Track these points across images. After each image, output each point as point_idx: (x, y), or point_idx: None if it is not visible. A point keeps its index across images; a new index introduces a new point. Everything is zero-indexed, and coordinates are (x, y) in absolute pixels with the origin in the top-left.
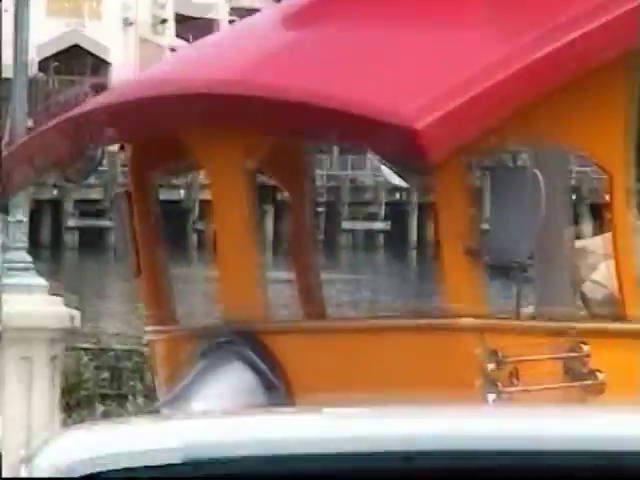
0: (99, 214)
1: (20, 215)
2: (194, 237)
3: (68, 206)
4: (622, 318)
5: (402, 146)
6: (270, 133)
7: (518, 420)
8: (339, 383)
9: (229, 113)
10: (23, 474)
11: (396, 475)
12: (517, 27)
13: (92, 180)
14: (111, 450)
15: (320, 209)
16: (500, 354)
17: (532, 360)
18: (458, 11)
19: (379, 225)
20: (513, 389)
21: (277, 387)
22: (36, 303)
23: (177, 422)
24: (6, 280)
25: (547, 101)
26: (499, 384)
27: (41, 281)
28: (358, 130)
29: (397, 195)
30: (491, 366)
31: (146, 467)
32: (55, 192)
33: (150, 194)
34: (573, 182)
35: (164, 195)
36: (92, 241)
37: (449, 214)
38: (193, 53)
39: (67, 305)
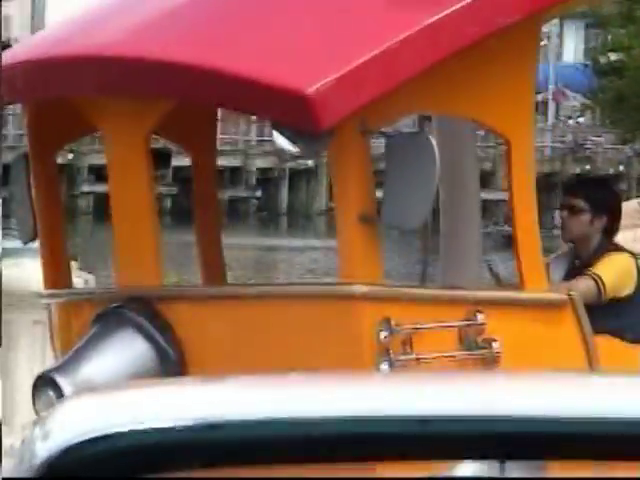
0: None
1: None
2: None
3: (83, 171)
4: (520, 288)
5: (294, 112)
6: (164, 98)
7: None
8: (233, 352)
9: (122, 77)
10: (37, 436)
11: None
12: None
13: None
14: (124, 413)
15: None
16: (393, 322)
17: (426, 328)
18: None
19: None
20: (406, 357)
21: (170, 355)
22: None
23: (191, 387)
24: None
25: (444, 68)
26: (392, 352)
27: None
28: (251, 96)
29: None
30: (384, 334)
31: (156, 429)
32: (70, 157)
33: (48, 157)
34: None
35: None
36: (106, 206)
37: (344, 181)
38: (88, 15)
39: (81, 269)
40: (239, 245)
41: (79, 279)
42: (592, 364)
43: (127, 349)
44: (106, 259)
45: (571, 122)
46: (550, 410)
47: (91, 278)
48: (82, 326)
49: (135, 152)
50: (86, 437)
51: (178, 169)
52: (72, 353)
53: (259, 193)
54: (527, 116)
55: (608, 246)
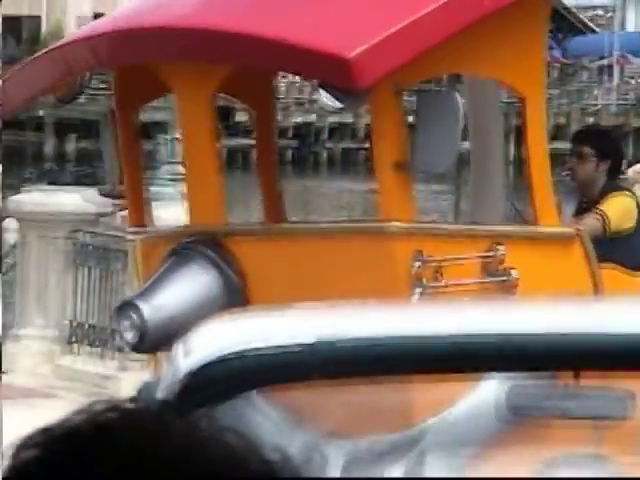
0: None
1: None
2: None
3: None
4: (534, 223)
5: (337, 74)
6: (226, 62)
7: None
8: (290, 284)
9: (189, 45)
10: (180, 354)
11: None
12: None
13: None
14: (253, 334)
15: None
16: (425, 254)
17: (453, 259)
18: None
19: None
20: (436, 284)
21: (235, 283)
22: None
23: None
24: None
25: (465, 34)
26: (424, 280)
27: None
28: (301, 61)
29: None
30: (417, 264)
31: (279, 346)
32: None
33: (131, 115)
34: None
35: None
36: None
37: (381, 132)
38: None
39: None
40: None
41: None
42: (597, 290)
43: (197, 278)
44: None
45: (633, 82)
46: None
47: None
48: (159, 259)
49: (201, 109)
50: (222, 354)
51: (298, 126)
52: (151, 282)
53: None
54: (539, 76)
55: (611, 187)
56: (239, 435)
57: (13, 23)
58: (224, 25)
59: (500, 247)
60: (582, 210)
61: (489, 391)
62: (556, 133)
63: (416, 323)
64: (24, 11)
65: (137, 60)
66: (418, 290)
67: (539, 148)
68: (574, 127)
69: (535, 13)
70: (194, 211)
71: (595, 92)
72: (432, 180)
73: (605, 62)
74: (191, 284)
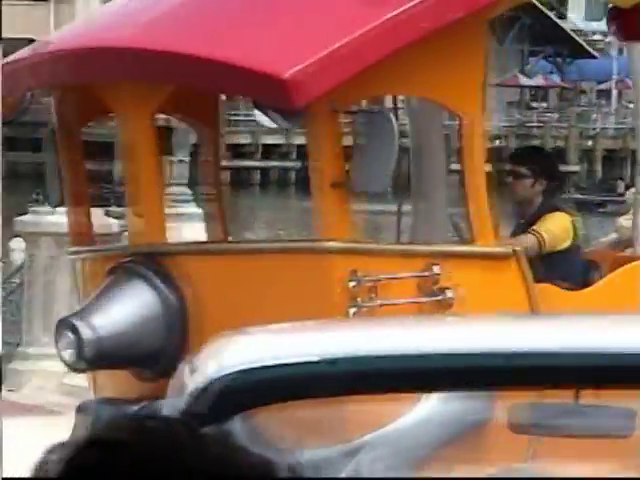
0: (245, 155)
1: (182, 155)
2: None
3: (222, 148)
4: (471, 242)
5: (273, 93)
6: (164, 82)
7: None
8: (228, 303)
9: (128, 65)
10: (186, 372)
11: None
12: None
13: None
14: (261, 351)
15: None
16: (360, 273)
17: (389, 278)
18: None
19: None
20: (371, 303)
21: (173, 304)
22: (194, 229)
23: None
24: (168, 210)
25: (401, 55)
26: (359, 299)
27: (200, 211)
28: (237, 80)
29: None
30: (352, 283)
31: (293, 364)
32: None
33: (73, 134)
34: None
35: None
36: (241, 179)
37: (317, 151)
38: (109, 11)
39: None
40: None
41: None
42: (534, 308)
43: (134, 297)
44: (245, 220)
45: (631, 106)
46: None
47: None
48: (99, 278)
49: (142, 129)
50: (227, 371)
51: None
52: (89, 301)
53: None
54: (477, 96)
55: (548, 206)
56: (252, 454)
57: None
58: (161, 45)
59: (436, 266)
60: (519, 229)
61: (430, 408)
62: (557, 156)
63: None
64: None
65: (77, 81)
66: (352, 310)
67: (476, 167)
68: (573, 150)
69: (473, 33)
70: (134, 229)
71: (594, 116)
72: (375, 199)
73: (604, 86)
74: (128, 303)
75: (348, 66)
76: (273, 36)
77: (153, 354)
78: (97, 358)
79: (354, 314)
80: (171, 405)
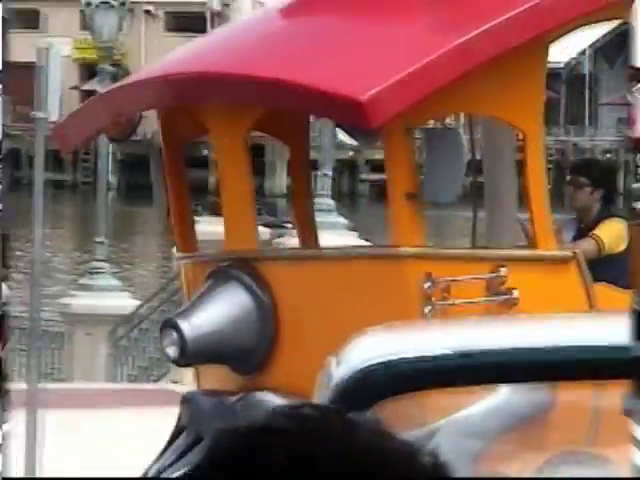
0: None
1: (326, 170)
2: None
3: (361, 163)
4: (534, 247)
5: (352, 115)
6: (254, 104)
7: None
8: (314, 305)
9: (224, 89)
10: (333, 364)
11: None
12: (447, 20)
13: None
14: (399, 345)
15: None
16: (434, 275)
17: (460, 280)
18: (403, 7)
19: None
20: (444, 303)
21: (267, 305)
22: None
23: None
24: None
25: (470, 78)
26: (433, 299)
27: (342, 220)
28: (319, 102)
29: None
30: (427, 285)
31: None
32: (351, 153)
33: (176, 151)
34: None
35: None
36: (380, 191)
37: (394, 166)
38: (207, 40)
39: (361, 238)
40: None
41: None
42: (592, 307)
43: (230, 299)
44: (379, 230)
45: None
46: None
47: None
48: (200, 281)
49: (234, 147)
50: (370, 363)
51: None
52: (190, 303)
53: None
54: (538, 114)
55: (605, 213)
56: (396, 439)
57: None
58: (251, 71)
59: (503, 268)
60: (580, 234)
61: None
62: None
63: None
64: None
65: (179, 103)
66: (428, 308)
67: (538, 179)
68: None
69: (534, 56)
70: (230, 238)
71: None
72: (454, 206)
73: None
74: (225, 304)
75: (420, 88)
76: (352, 62)
77: (246, 351)
78: (197, 354)
79: (429, 313)
80: (320, 395)
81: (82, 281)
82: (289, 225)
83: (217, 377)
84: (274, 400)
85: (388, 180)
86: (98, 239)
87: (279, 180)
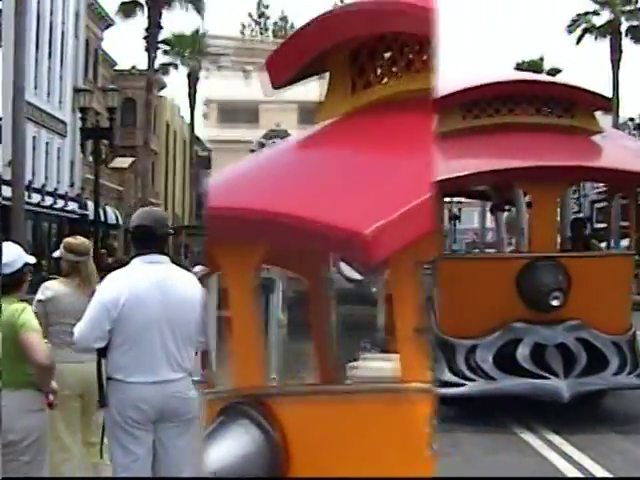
0: None
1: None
2: None
3: None
4: None
5: (354, 248)
6: (261, 241)
7: None
8: (324, 444)
9: (229, 226)
10: None
11: None
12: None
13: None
14: None
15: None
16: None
17: None
18: (411, 145)
19: None
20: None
21: (278, 442)
22: None
23: None
24: None
25: None
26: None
27: None
28: (324, 239)
29: None
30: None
31: None
32: None
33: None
34: None
35: None
36: None
37: (401, 300)
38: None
39: None
40: None
41: None
42: None
43: (243, 436)
44: None
45: None
46: None
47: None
48: (214, 416)
49: (242, 283)
50: None
51: None
52: (202, 439)
53: None
54: None
55: None
56: None
57: None
58: (255, 207)
59: None
60: None
61: None
62: None
63: None
64: None
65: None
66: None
67: None
68: None
69: None
70: (239, 375)
71: None
72: None
73: None
74: (236, 440)
75: (419, 224)
76: (353, 196)
77: None
78: None
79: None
80: None
81: None
82: None
83: None
84: None
85: (396, 314)
86: None
87: None
